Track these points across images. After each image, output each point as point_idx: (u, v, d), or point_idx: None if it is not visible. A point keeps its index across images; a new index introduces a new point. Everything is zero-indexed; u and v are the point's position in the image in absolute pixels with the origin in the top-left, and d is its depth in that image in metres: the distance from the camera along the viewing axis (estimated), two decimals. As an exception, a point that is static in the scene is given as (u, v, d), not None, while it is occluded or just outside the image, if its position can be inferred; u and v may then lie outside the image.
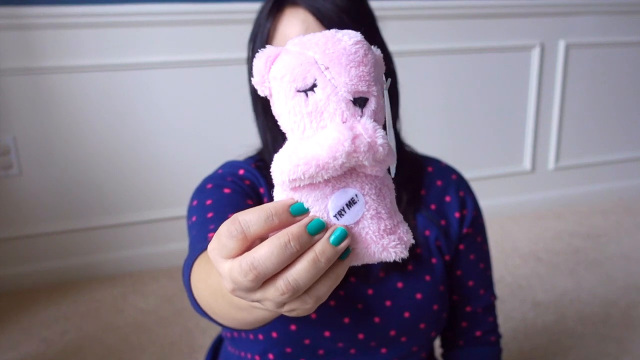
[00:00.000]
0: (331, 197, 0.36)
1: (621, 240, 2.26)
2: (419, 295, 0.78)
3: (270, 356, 0.77)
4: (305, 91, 0.35)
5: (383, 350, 0.78)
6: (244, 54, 0.84)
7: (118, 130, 1.95)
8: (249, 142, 0.89)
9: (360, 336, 0.76)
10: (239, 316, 0.47)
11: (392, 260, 0.37)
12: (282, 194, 0.36)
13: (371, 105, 0.36)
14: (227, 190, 0.76)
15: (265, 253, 0.33)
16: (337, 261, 0.36)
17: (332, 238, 0.35)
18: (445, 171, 0.87)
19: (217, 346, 0.97)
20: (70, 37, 1.83)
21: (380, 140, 0.34)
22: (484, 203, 0.91)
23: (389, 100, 0.39)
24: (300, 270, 0.34)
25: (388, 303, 0.77)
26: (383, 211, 0.37)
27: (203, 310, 0.54)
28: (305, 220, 0.35)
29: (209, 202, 0.74)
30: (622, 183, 2.74)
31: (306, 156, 0.34)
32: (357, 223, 0.36)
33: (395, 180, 0.82)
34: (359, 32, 0.36)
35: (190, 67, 1.97)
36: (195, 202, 0.76)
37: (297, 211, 0.35)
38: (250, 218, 0.34)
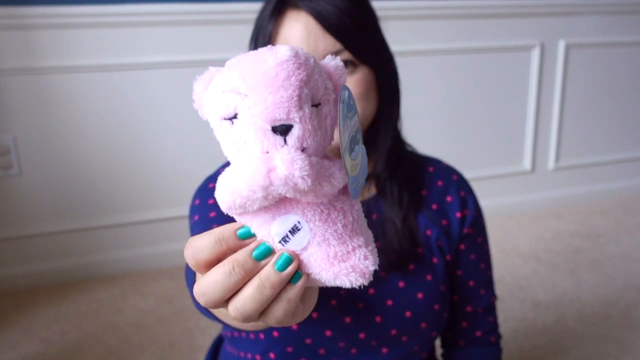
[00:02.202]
0: (273, 224, 0.35)
1: (621, 240, 2.26)
2: (420, 295, 0.78)
3: (272, 355, 0.77)
4: (230, 119, 0.34)
5: (384, 350, 0.78)
6: (244, 54, 0.84)
7: (118, 130, 1.95)
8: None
9: (361, 336, 0.76)
10: None
11: (348, 287, 0.36)
12: (235, 217, 0.36)
13: (295, 132, 0.33)
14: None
15: (211, 281, 0.34)
16: (287, 285, 0.35)
17: (277, 264, 0.34)
18: (446, 171, 0.87)
19: (217, 346, 0.97)
20: (70, 37, 1.83)
21: (297, 173, 0.32)
22: (484, 203, 0.91)
23: (346, 113, 0.36)
24: (245, 297, 0.34)
25: (389, 302, 0.77)
26: (331, 237, 0.35)
27: (208, 310, 0.53)
28: (252, 245, 0.35)
29: (211, 201, 0.74)
30: (622, 183, 2.74)
31: (230, 188, 0.34)
32: (304, 249, 0.35)
33: (396, 180, 0.82)
34: (290, 48, 0.34)
35: (190, 67, 1.97)
36: (197, 201, 0.76)
37: (244, 235, 0.35)
38: (199, 244, 0.35)
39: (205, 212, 0.73)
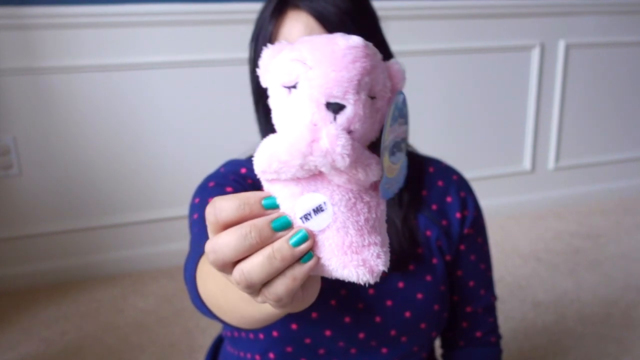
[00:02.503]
0: (299, 198, 0.35)
1: (621, 240, 2.26)
2: (419, 295, 0.78)
3: (271, 355, 0.77)
4: (289, 87, 0.35)
5: (383, 350, 0.78)
6: (244, 54, 0.84)
7: (118, 130, 1.95)
8: (248, 142, 0.89)
9: (361, 336, 0.76)
10: (247, 311, 0.46)
11: (354, 281, 0.36)
12: (264, 186, 0.37)
13: (346, 112, 0.34)
14: (229, 189, 0.76)
15: (225, 240, 0.34)
16: (297, 263, 0.35)
17: (292, 239, 0.35)
18: (446, 172, 0.87)
19: (217, 346, 0.97)
20: (70, 37, 1.83)
21: (339, 150, 0.33)
22: (484, 203, 0.91)
23: (396, 117, 0.37)
24: (254, 263, 0.34)
25: (389, 303, 0.77)
26: (351, 227, 0.36)
27: (207, 307, 0.53)
28: (272, 215, 0.35)
29: (210, 200, 0.74)
30: (622, 183, 2.74)
31: (270, 151, 0.34)
32: (322, 231, 0.36)
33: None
34: (363, 40, 0.35)
35: (190, 67, 1.97)
36: (197, 200, 0.76)
37: (269, 205, 0.36)
38: (224, 204, 0.35)
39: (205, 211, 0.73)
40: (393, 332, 0.77)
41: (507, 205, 2.52)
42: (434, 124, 2.33)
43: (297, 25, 0.71)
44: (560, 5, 2.34)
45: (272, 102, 0.37)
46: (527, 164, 2.54)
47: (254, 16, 0.78)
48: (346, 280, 0.36)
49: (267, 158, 0.35)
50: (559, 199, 2.62)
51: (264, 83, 0.38)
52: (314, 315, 0.75)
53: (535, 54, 2.38)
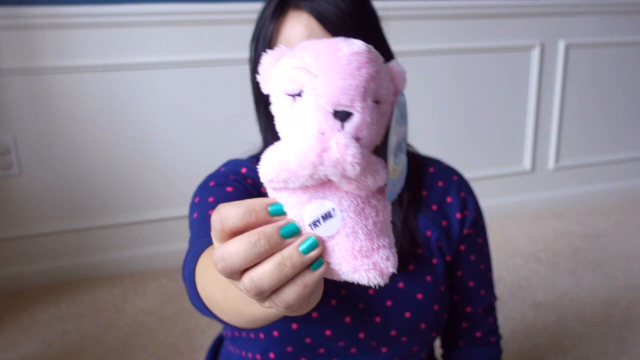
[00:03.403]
0: (307, 205, 0.35)
1: (621, 240, 2.26)
2: (419, 296, 0.78)
3: (271, 355, 0.77)
4: (293, 95, 0.35)
5: (384, 350, 0.78)
6: (244, 54, 0.84)
7: (118, 130, 1.95)
8: (249, 141, 0.89)
9: (361, 335, 0.76)
10: (247, 311, 0.46)
11: (365, 284, 0.36)
12: (269, 193, 0.37)
13: (354, 120, 0.34)
14: (229, 189, 0.76)
15: (234, 248, 0.34)
16: (307, 270, 0.35)
17: (302, 246, 0.34)
18: (446, 172, 0.87)
19: (217, 346, 0.97)
20: (71, 37, 1.83)
21: (349, 159, 0.33)
22: (484, 203, 0.91)
23: (399, 118, 0.37)
24: (264, 271, 0.34)
25: (389, 303, 0.77)
26: (361, 231, 0.36)
27: (206, 306, 0.53)
28: (281, 222, 0.35)
29: (210, 199, 0.74)
30: (622, 183, 2.74)
31: (279, 160, 0.34)
32: (331, 237, 0.36)
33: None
34: (365, 44, 0.35)
35: (191, 67, 1.97)
36: (197, 199, 0.76)
37: (275, 212, 0.36)
38: (229, 211, 0.35)
39: (205, 210, 0.73)
40: (393, 332, 0.77)
41: (507, 205, 2.52)
42: (434, 124, 2.33)
43: (297, 25, 0.71)
44: (560, 5, 2.34)
45: (275, 110, 0.37)
46: (527, 164, 2.54)
47: (254, 16, 0.78)
48: (356, 283, 0.36)
49: (275, 167, 0.34)
50: (559, 199, 2.62)
51: (265, 90, 0.38)
52: (314, 315, 0.75)
53: (535, 54, 2.38)
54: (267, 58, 0.38)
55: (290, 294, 0.35)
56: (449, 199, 0.84)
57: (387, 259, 0.37)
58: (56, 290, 1.92)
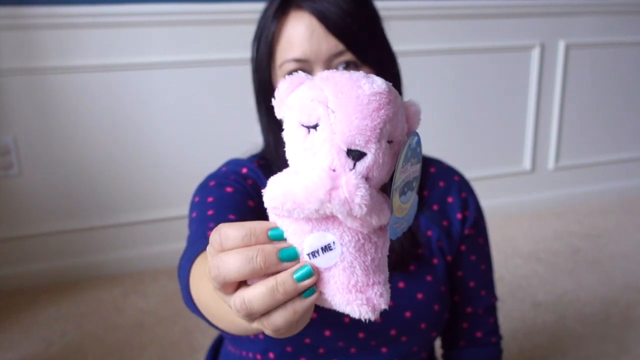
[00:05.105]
0: (309, 236, 0.35)
1: (621, 240, 2.26)
2: (420, 296, 0.78)
3: (271, 355, 0.77)
4: (308, 127, 0.35)
5: (383, 350, 0.78)
6: (244, 54, 0.84)
7: (118, 130, 1.95)
8: (249, 141, 0.89)
9: (361, 335, 0.76)
10: (237, 320, 0.46)
11: (356, 317, 0.36)
12: (270, 217, 0.37)
13: (366, 161, 0.34)
14: (229, 189, 0.76)
15: (230, 259, 0.34)
16: (298, 297, 0.35)
17: (297, 273, 0.35)
18: (447, 172, 0.87)
19: (217, 346, 0.97)
20: (70, 37, 1.83)
21: (358, 200, 0.33)
22: (484, 203, 0.91)
23: (409, 157, 0.37)
24: (256, 294, 0.34)
25: (389, 303, 0.77)
26: (358, 267, 0.36)
27: (198, 309, 0.53)
28: (281, 244, 0.35)
29: (210, 199, 0.74)
30: (622, 183, 2.74)
31: (286, 189, 0.34)
32: (328, 269, 0.36)
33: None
34: (386, 83, 0.35)
35: (191, 67, 1.97)
36: (197, 199, 0.76)
37: (275, 237, 0.36)
38: (229, 232, 0.35)
39: (204, 210, 0.73)
40: (393, 332, 0.77)
41: (507, 205, 2.52)
42: (434, 124, 2.33)
43: (299, 25, 0.71)
44: (560, 5, 2.34)
45: (287, 138, 0.37)
46: (527, 164, 2.54)
47: (254, 16, 0.78)
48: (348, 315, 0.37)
49: (281, 197, 0.34)
50: (559, 199, 2.62)
51: (279, 115, 0.38)
52: (314, 315, 0.75)
53: (535, 54, 2.38)
54: (285, 84, 0.38)
55: (279, 318, 0.35)
56: (450, 199, 0.84)
57: (381, 295, 0.37)
58: (56, 290, 1.92)
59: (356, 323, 0.76)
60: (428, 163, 0.87)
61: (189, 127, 2.02)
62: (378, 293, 0.37)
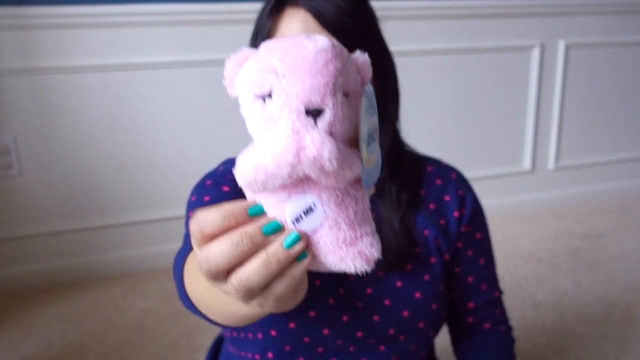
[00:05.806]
0: (288, 202, 0.36)
1: (621, 240, 2.26)
2: (418, 295, 0.78)
3: (270, 355, 0.77)
4: (263, 97, 0.35)
5: (381, 348, 0.78)
6: (244, 53, 0.84)
7: (118, 130, 1.95)
8: (248, 141, 0.89)
9: (359, 334, 0.76)
10: (233, 309, 0.46)
11: (353, 273, 0.37)
12: (247, 195, 0.37)
13: (326, 116, 0.35)
14: (225, 188, 0.76)
15: (217, 248, 0.35)
16: (294, 262, 0.36)
17: (285, 241, 0.35)
18: (445, 170, 0.87)
19: (217, 346, 0.97)
20: (70, 37, 1.83)
21: (326, 155, 0.34)
22: (484, 203, 0.91)
23: (368, 109, 0.38)
24: (251, 270, 0.34)
25: (387, 302, 0.77)
26: (343, 222, 0.37)
27: (193, 305, 0.53)
28: (262, 220, 0.36)
29: (206, 198, 0.74)
30: (622, 183, 2.74)
31: (256, 163, 0.34)
32: (315, 231, 0.36)
33: (394, 180, 0.82)
34: (328, 39, 0.36)
35: (191, 67, 1.97)
36: (193, 198, 0.77)
37: (255, 213, 0.36)
38: (208, 217, 0.35)
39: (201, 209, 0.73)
40: (391, 331, 0.77)
41: (507, 205, 2.52)
42: (434, 124, 2.34)
43: (294, 22, 0.71)
44: (560, 5, 2.34)
45: (245, 113, 0.37)
46: (527, 163, 2.54)
47: (254, 16, 0.78)
48: (345, 272, 0.37)
49: (252, 171, 0.35)
50: (559, 199, 2.62)
51: (232, 93, 0.39)
52: (312, 314, 0.75)
53: (535, 54, 2.38)
54: (231, 62, 0.38)
55: (279, 286, 0.35)
56: (447, 198, 0.84)
57: (372, 245, 0.37)
58: (56, 290, 1.92)
59: (355, 322, 0.76)
60: (426, 162, 0.87)
61: (189, 127, 2.02)
62: (368, 243, 0.37)
